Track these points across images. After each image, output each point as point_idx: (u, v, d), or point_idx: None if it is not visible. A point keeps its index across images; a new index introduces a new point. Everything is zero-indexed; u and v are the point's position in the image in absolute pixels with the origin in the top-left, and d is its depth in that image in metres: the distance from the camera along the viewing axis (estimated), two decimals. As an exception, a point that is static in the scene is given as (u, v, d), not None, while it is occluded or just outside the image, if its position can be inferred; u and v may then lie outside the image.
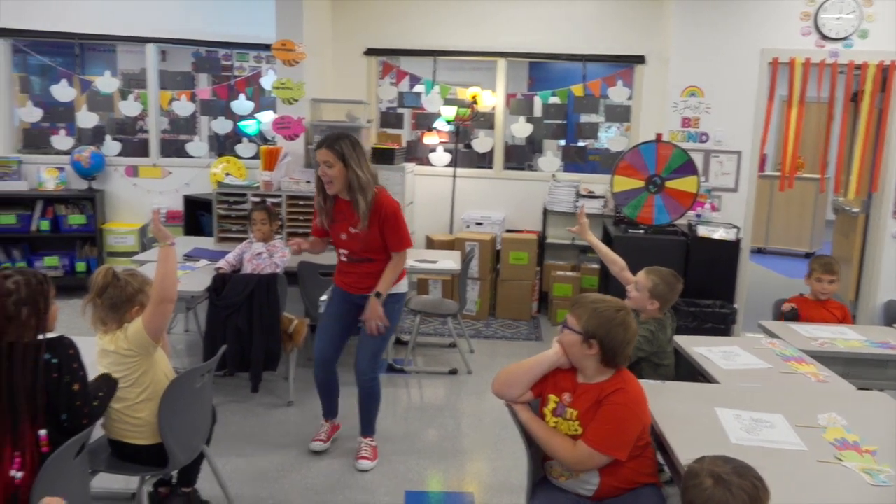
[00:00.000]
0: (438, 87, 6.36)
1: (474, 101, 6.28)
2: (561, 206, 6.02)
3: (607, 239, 5.09)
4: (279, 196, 5.11)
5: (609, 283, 4.33)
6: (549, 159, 6.38)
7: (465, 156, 6.64)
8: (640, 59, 6.01)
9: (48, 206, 6.14)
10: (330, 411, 3.61)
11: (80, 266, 6.22)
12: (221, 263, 4.19)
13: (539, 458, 2.34)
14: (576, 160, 6.39)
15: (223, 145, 6.76)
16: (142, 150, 6.53)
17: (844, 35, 5.13)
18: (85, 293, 2.54)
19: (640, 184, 4.96)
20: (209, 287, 3.93)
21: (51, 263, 6.17)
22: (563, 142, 6.64)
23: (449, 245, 5.79)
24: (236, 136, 6.60)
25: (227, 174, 6.21)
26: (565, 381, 2.23)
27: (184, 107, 6.45)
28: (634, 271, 3.13)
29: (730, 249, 4.80)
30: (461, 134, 6.43)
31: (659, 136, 5.09)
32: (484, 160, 6.64)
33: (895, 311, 5.17)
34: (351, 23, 6.27)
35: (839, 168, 6.00)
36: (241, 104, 6.48)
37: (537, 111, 6.45)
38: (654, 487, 2.19)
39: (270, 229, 4.26)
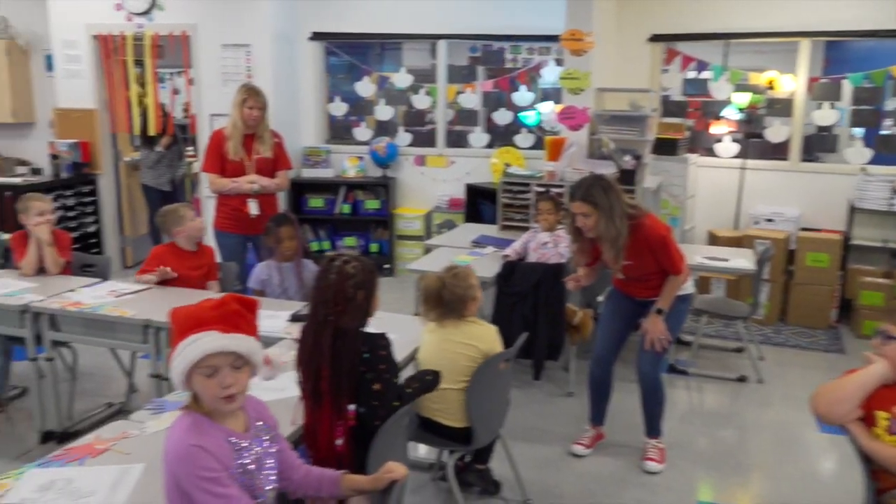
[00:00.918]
0: (728, 73, 5.95)
1: (770, 87, 5.78)
2: (873, 204, 5.32)
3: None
4: (562, 186, 5.14)
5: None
6: (858, 150, 5.66)
7: (755, 146, 6.14)
8: None
9: (349, 191, 6.83)
10: (597, 416, 3.54)
11: (374, 247, 6.85)
12: (508, 251, 4.33)
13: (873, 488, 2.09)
14: (893, 151, 5.60)
15: (502, 136, 6.99)
16: (429, 140, 6.99)
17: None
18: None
19: None
20: (498, 273, 4.08)
21: (350, 243, 6.87)
22: (860, 132, 5.85)
23: (735, 242, 5.41)
24: (515, 126, 6.78)
25: (507, 164, 6.40)
26: (891, 395, 2.04)
27: (468, 99, 6.78)
28: None
29: None
30: (753, 122, 5.96)
31: None
32: (777, 151, 6.09)
33: None
34: (637, 9, 6.10)
35: None
36: (522, 95, 6.63)
37: (845, 96, 5.75)
38: None
39: (556, 219, 4.30)
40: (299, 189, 6.74)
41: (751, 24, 5.72)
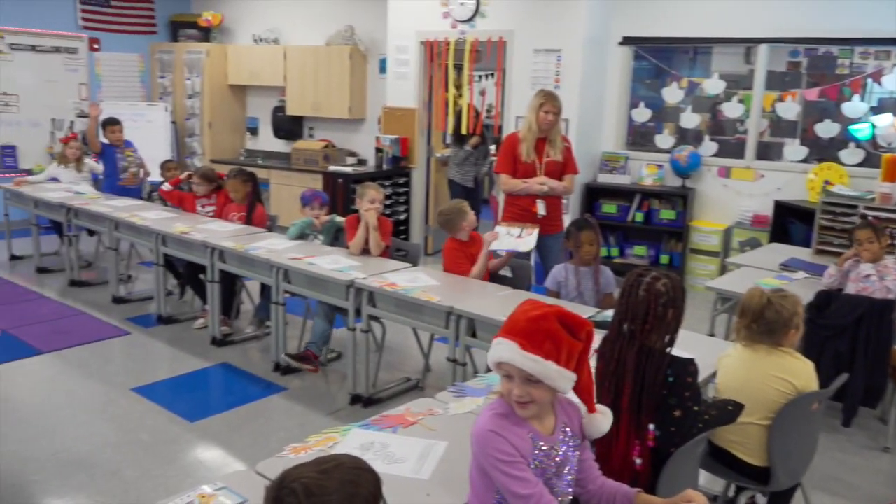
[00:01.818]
0: None
1: None
2: None
3: None
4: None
5: None
6: None
7: None
8: None
9: (644, 199, 6.67)
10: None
11: (664, 258, 6.61)
12: (825, 279, 3.89)
13: None
14: None
15: (824, 150, 6.29)
16: (737, 151, 6.54)
17: None
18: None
19: None
20: (811, 303, 3.69)
21: (639, 252, 6.71)
22: None
23: None
24: (841, 140, 6.06)
25: (826, 181, 5.75)
26: None
27: (787, 108, 6.20)
28: None
29: None
30: None
31: None
32: None
33: None
34: None
35: None
36: (854, 106, 5.89)
37: None
38: None
39: (880, 248, 3.76)
40: (593, 194, 6.75)
41: None
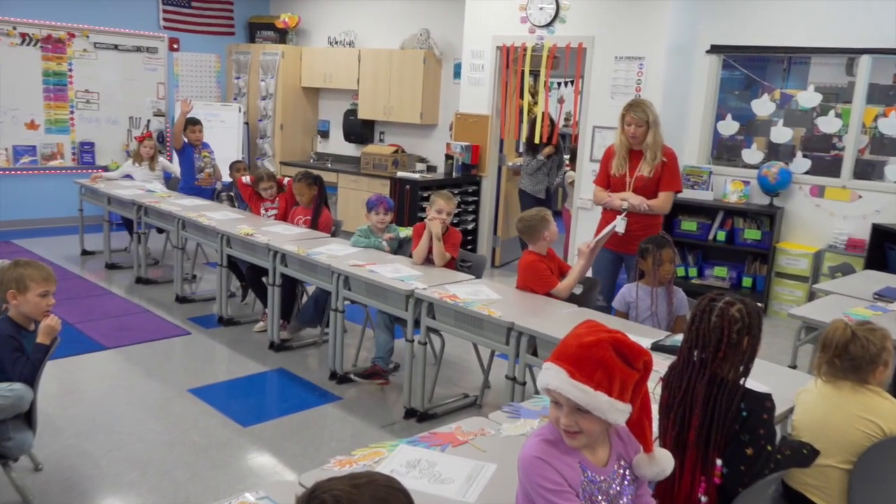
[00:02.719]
0: None
1: None
2: None
3: None
4: None
5: None
6: None
7: None
8: None
9: (727, 217, 6.45)
10: None
11: (746, 281, 6.37)
12: (927, 313, 3.65)
13: None
14: None
15: (932, 171, 5.95)
16: (832, 169, 6.26)
17: None
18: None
19: None
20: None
21: (719, 274, 6.49)
22: None
23: None
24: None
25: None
26: None
27: (891, 124, 5.90)
28: None
29: None
30: None
31: None
32: None
33: None
34: None
35: None
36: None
37: None
38: None
39: None
40: (672, 209, 6.56)
41: None
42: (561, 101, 9.83)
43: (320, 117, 9.54)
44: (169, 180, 7.17)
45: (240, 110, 9.07)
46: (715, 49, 6.52)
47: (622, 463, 1.67)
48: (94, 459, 3.39)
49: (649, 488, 1.80)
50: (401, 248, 4.78)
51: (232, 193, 6.73)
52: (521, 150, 7.63)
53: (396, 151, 8.17)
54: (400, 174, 7.51)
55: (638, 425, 1.67)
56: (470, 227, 7.53)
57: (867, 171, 6.12)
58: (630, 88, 6.30)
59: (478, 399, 4.22)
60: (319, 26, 9.30)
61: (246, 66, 9.44)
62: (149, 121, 9.10)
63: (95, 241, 7.22)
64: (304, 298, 5.44)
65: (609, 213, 4.46)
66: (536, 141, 7.08)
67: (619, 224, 4.29)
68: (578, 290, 4.02)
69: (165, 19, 9.10)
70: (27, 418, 2.93)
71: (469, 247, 7.35)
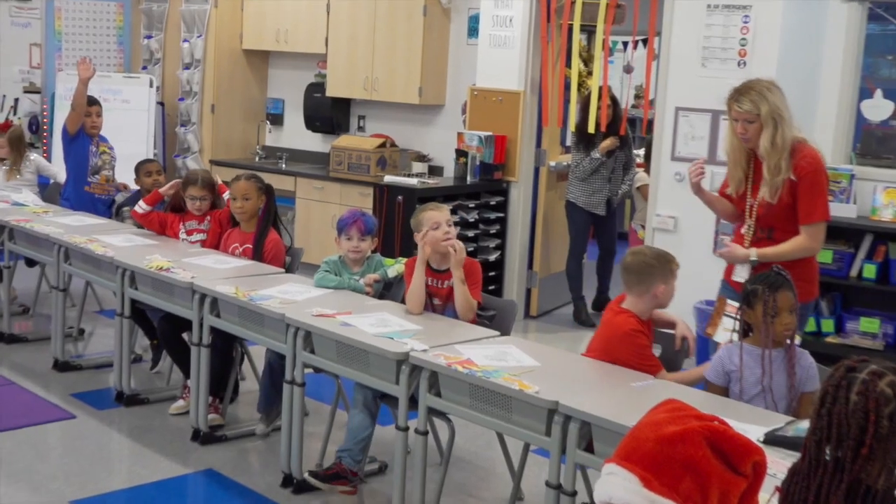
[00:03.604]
0: None
1: None
2: None
3: None
4: None
5: None
6: None
7: None
8: None
9: (879, 242, 6.45)
10: None
11: (919, 340, 6.36)
12: None
13: None
14: None
15: None
16: None
17: None
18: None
19: None
20: None
21: (868, 328, 6.47)
22: None
23: None
24: None
25: None
26: None
27: None
28: None
29: None
30: None
31: None
32: None
33: None
34: None
35: None
36: None
37: None
38: None
39: None
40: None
41: None
42: (628, 69, 9.94)
43: (270, 95, 9.64)
44: (47, 187, 7.24)
45: (151, 84, 9.19)
46: (856, -7, 6.59)
47: None
48: None
49: None
50: (389, 289, 4.80)
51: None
52: (570, 143, 7.69)
53: (383, 145, 8.24)
54: (388, 179, 7.58)
55: None
56: (492, 258, 7.56)
57: None
58: (730, 52, 6.36)
59: (505, 516, 4.22)
60: (270, -39, 9.44)
61: (161, 21, 9.59)
62: (16, 101, 9.22)
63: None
64: (245, 365, 5.45)
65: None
66: (591, 129, 7.14)
67: (740, 272, 4.27)
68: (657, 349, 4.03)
69: (43, -48, 9.27)
70: None
71: (491, 287, 7.39)
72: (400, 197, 7.22)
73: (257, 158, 9.30)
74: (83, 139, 6.70)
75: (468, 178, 7.52)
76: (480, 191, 7.53)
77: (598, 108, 7.05)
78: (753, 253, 4.26)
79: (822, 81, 6.71)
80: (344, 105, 8.94)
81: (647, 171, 7.09)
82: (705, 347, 4.48)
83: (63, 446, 4.84)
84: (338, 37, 8.55)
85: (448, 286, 4.40)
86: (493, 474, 4.69)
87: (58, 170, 7.14)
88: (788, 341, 3.65)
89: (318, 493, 4.34)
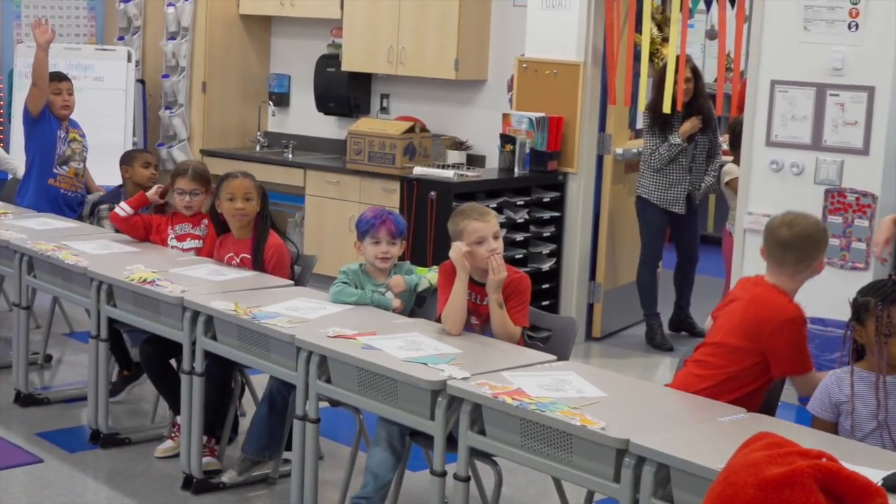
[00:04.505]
0: None
1: None
2: None
3: None
4: None
5: None
6: None
7: None
8: None
9: None
10: None
11: None
12: None
13: None
14: None
15: None
16: None
17: None
18: None
19: None
20: None
21: None
22: None
23: None
24: None
25: None
26: None
27: None
28: None
29: None
30: None
31: None
32: None
33: None
34: None
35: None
36: None
37: None
38: None
39: None
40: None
41: None
42: (712, 35, 9.92)
43: (273, 70, 9.71)
44: (5, 183, 7.32)
45: (129, 58, 9.28)
46: None
47: None
48: None
49: None
50: (421, 305, 4.83)
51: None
52: (642, 125, 7.69)
53: (412, 130, 8.27)
54: (418, 171, 7.60)
55: None
56: (545, 266, 7.58)
57: None
58: (838, 12, 6.31)
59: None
60: None
61: (141, -20, 9.66)
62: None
63: None
64: (246, 398, 5.49)
65: None
66: (667, 109, 7.14)
67: None
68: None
69: None
70: None
71: (544, 302, 7.39)
72: (432, 193, 7.22)
73: (258, 147, 9.37)
74: (49, 121, 6.78)
75: (516, 170, 7.53)
76: (531, 185, 7.55)
77: (674, 82, 7.05)
78: None
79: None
80: (363, 82, 8.99)
81: (736, 160, 7.07)
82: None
83: (28, 496, 4.88)
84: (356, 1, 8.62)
85: (488, 304, 4.42)
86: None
87: (18, 163, 7.22)
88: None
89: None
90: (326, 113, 9.13)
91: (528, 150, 7.48)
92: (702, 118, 7.32)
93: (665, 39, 7.58)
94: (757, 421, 3.57)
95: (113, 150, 6.71)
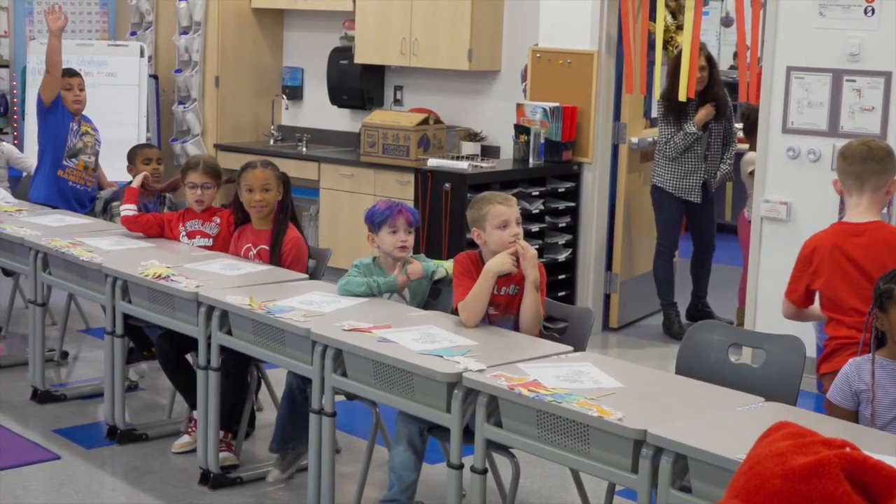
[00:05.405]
0: None
1: None
2: None
3: None
4: None
5: None
6: None
7: None
8: None
9: None
10: None
11: None
12: None
13: None
14: None
15: None
16: None
17: None
18: None
19: None
20: None
21: None
22: None
23: None
24: None
25: None
26: None
27: None
28: None
29: None
30: None
31: None
32: None
33: None
34: None
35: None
36: None
37: None
38: None
39: None
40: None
41: None
42: (727, 22, 9.91)
43: (286, 63, 9.72)
44: (19, 181, 7.34)
45: (142, 54, 9.30)
46: None
47: None
48: None
49: None
50: (436, 297, 4.82)
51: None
52: (656, 114, 7.67)
53: (426, 122, 8.27)
54: (433, 163, 7.61)
55: None
56: (561, 257, 7.57)
57: None
58: (854, -3, 6.29)
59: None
60: None
61: (153, -25, 9.68)
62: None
63: None
64: (262, 392, 5.50)
65: None
66: (683, 97, 7.12)
67: None
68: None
69: None
70: None
71: (561, 293, 7.39)
72: (447, 185, 7.24)
73: (272, 141, 9.39)
74: (62, 113, 6.79)
75: (531, 161, 7.54)
76: (546, 175, 7.54)
77: (689, 70, 7.03)
78: None
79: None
80: (376, 74, 9.00)
81: (752, 147, 7.04)
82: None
83: (46, 493, 4.91)
84: (368, -10, 8.61)
85: (507, 293, 4.42)
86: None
87: (33, 161, 7.24)
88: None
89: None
90: (340, 106, 9.15)
91: (542, 141, 7.48)
92: (716, 106, 7.30)
93: (679, 27, 7.57)
94: (775, 410, 3.56)
95: (126, 147, 6.66)
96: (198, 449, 5.01)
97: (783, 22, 6.52)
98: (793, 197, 6.42)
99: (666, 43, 7.42)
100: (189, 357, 5.21)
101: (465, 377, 3.80)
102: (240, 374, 5.08)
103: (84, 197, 6.90)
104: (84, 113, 6.93)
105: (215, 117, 9.37)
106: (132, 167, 6.24)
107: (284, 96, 9.64)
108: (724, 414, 3.56)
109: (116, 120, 8.63)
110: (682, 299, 7.76)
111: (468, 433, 3.86)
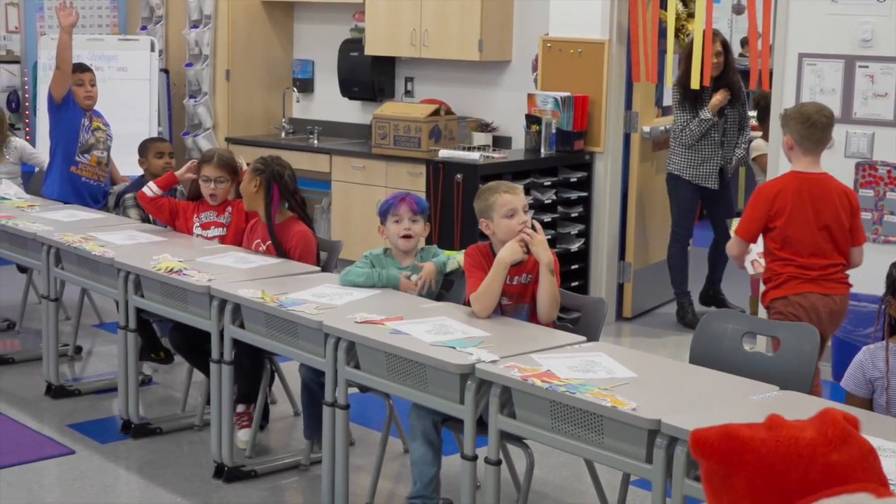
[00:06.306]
0: None
1: None
2: None
3: None
4: None
5: None
6: None
7: None
8: None
9: None
10: None
11: None
12: None
13: None
14: None
15: None
16: None
17: None
18: None
19: None
20: None
21: None
22: None
23: None
24: None
25: None
26: None
27: None
28: None
29: None
30: None
31: None
32: None
33: None
34: None
35: None
36: None
37: None
38: None
39: None
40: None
41: None
42: (738, 10, 9.88)
43: (296, 56, 9.71)
44: (32, 176, 7.36)
45: (152, 48, 9.31)
46: None
47: None
48: None
49: None
50: (449, 288, 4.82)
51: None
52: (671, 102, 7.65)
53: (437, 113, 8.26)
54: (444, 154, 7.59)
55: None
56: (574, 247, 7.56)
57: None
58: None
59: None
60: None
61: (163, -31, 9.69)
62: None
63: None
64: (276, 384, 5.51)
65: None
66: (696, 85, 7.10)
67: None
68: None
69: None
70: None
71: (574, 283, 7.38)
72: (459, 175, 7.22)
73: (283, 134, 9.38)
74: (74, 109, 6.80)
75: (542, 151, 7.53)
76: (558, 165, 7.52)
77: (702, 57, 7.00)
78: None
79: None
80: (387, 65, 8.99)
81: (765, 135, 7.02)
82: (848, 350, 4.46)
83: (60, 488, 4.93)
84: (378, -19, 8.60)
85: (519, 283, 4.41)
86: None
87: (45, 157, 7.24)
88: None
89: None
90: (351, 98, 9.14)
91: (554, 131, 7.47)
92: (729, 92, 7.27)
93: (690, 15, 7.55)
94: (789, 398, 3.55)
95: (138, 141, 6.68)
96: (212, 441, 5.00)
97: (795, 8, 6.50)
98: (806, 184, 6.38)
99: (677, 31, 7.40)
100: (207, 348, 5.21)
101: (478, 368, 3.80)
102: (254, 367, 5.11)
103: (97, 192, 6.92)
104: (95, 108, 6.94)
105: (226, 111, 9.37)
106: (143, 160, 6.29)
107: (295, 89, 9.63)
108: (738, 403, 3.56)
109: (128, 114, 8.64)
110: (696, 288, 7.75)
111: (482, 424, 3.86)
